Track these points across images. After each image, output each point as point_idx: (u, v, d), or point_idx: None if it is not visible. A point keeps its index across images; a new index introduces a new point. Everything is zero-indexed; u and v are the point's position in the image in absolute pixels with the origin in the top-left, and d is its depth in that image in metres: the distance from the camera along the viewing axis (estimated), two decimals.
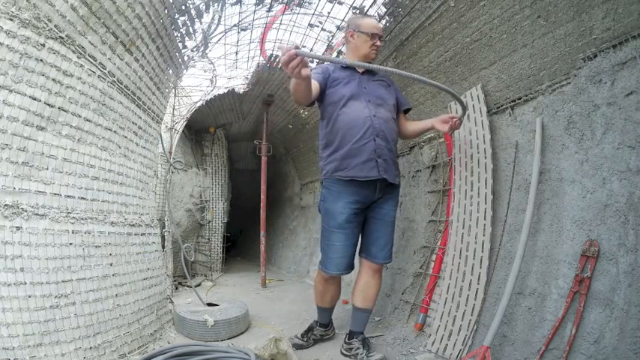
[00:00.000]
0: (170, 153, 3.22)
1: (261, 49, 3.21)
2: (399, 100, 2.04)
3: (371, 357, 1.81)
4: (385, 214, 1.93)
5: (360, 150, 1.79)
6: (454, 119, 1.79)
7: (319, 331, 2.14)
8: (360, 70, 1.93)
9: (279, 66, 1.36)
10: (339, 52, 2.99)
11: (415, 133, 2.09)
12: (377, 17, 2.46)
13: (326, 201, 1.89)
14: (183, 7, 2.04)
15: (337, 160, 1.83)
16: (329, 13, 2.61)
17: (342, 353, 1.97)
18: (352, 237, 1.88)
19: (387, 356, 1.89)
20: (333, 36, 2.85)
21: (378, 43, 1.92)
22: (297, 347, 2.04)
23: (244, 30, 2.80)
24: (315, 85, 1.76)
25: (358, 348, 1.87)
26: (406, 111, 2.12)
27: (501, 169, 1.94)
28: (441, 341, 1.93)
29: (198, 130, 4.83)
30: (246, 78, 3.69)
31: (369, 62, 1.92)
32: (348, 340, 1.97)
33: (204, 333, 2.13)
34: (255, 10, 2.58)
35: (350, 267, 1.92)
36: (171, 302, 2.52)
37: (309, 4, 2.58)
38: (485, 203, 1.93)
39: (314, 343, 2.12)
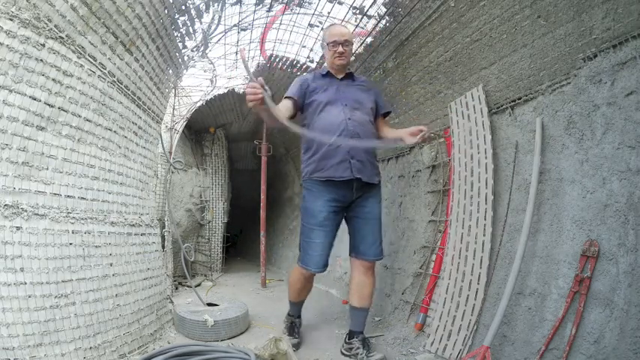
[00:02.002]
0: (170, 153, 3.22)
1: (261, 49, 3.21)
2: (379, 103, 2.09)
3: (371, 357, 1.83)
4: (368, 212, 1.96)
5: (335, 151, 1.86)
6: (423, 132, 1.82)
7: (298, 322, 2.25)
8: (339, 76, 2.04)
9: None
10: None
11: (387, 141, 2.13)
12: (377, 17, 2.46)
13: (306, 200, 1.96)
14: (183, 7, 2.04)
15: (315, 162, 1.92)
16: (329, 13, 2.61)
17: (343, 353, 1.98)
18: (330, 235, 1.94)
19: (387, 356, 1.89)
20: None
21: (340, 49, 1.96)
22: (295, 346, 2.04)
23: (244, 30, 2.80)
24: (287, 106, 1.90)
25: (358, 348, 1.89)
26: (386, 114, 2.17)
27: (501, 169, 1.94)
28: (440, 341, 1.93)
29: (198, 130, 4.83)
30: (246, 78, 3.69)
31: (338, 69, 2.02)
32: (349, 340, 1.98)
33: (204, 333, 2.12)
34: (255, 10, 2.58)
35: (326, 265, 1.97)
36: (171, 302, 2.52)
37: (309, 4, 2.58)
38: (486, 203, 1.93)
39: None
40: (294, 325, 2.20)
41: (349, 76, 2.06)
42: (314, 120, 1.94)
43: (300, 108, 1.98)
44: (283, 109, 1.86)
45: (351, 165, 1.86)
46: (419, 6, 2.18)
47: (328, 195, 1.89)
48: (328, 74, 2.04)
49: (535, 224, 1.68)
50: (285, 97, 1.95)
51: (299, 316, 2.27)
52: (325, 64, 2.11)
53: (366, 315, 2.01)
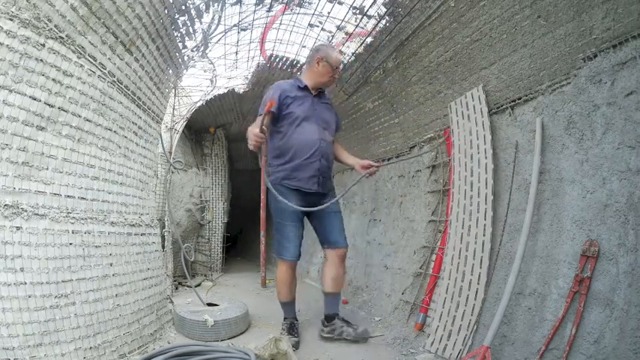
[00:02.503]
0: (170, 153, 3.22)
1: (261, 49, 3.20)
2: (337, 123, 2.36)
3: (358, 330, 2.08)
4: (330, 208, 2.17)
5: (307, 167, 2.10)
6: (372, 167, 2.13)
7: (297, 323, 2.28)
8: (314, 92, 2.22)
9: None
10: (339, 52, 2.99)
11: (339, 161, 2.39)
12: (377, 17, 2.47)
13: (278, 202, 2.10)
14: (183, 7, 2.04)
15: (287, 170, 2.12)
16: (329, 13, 2.60)
17: (325, 337, 2.17)
18: (301, 229, 2.20)
19: (387, 356, 1.90)
20: (333, 36, 2.85)
21: (337, 74, 2.23)
22: (295, 345, 2.06)
23: (244, 30, 2.80)
24: (264, 122, 2.03)
25: (342, 326, 2.11)
26: (338, 129, 2.41)
27: (501, 169, 1.94)
28: (440, 341, 1.93)
29: (198, 130, 4.83)
30: (246, 78, 3.69)
31: (318, 87, 2.23)
32: (328, 322, 2.18)
33: (204, 333, 2.12)
34: (255, 10, 2.58)
35: (299, 255, 2.21)
36: (171, 302, 2.52)
37: (309, 4, 2.58)
38: (486, 203, 1.93)
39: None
40: (293, 326, 2.23)
41: (321, 93, 2.28)
42: (290, 132, 2.12)
43: (276, 117, 2.13)
44: (258, 121, 2.03)
45: (318, 180, 2.14)
46: (419, 6, 2.18)
47: (295, 199, 2.11)
48: (306, 88, 2.19)
49: (535, 224, 1.68)
50: (260, 115, 2.07)
51: (295, 317, 2.31)
52: (304, 75, 2.25)
53: (339, 298, 2.29)
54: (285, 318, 2.28)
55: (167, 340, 2.08)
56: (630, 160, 1.35)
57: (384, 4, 2.38)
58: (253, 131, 1.91)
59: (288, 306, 2.28)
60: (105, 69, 1.67)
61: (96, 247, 1.64)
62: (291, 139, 2.10)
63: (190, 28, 2.22)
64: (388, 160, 3.16)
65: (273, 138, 2.19)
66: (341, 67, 2.21)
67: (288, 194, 2.10)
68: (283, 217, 2.16)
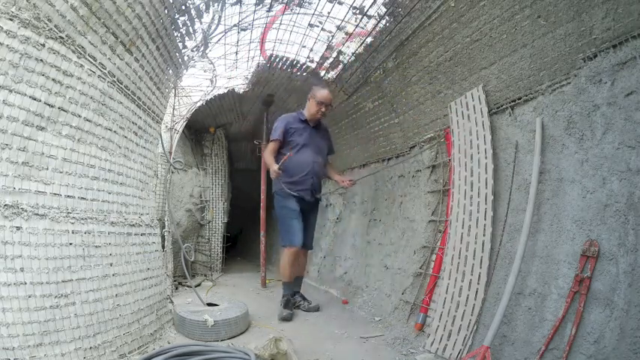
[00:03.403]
0: (170, 153, 3.22)
1: (261, 49, 3.20)
2: (330, 147, 3.07)
3: (310, 305, 2.85)
4: (311, 220, 2.98)
5: (304, 182, 2.79)
6: (345, 182, 2.86)
7: (292, 299, 2.87)
8: (311, 125, 2.84)
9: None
10: (339, 52, 3.00)
11: (329, 177, 3.14)
12: (377, 17, 2.47)
13: (284, 201, 2.82)
14: (183, 7, 2.04)
15: (290, 183, 2.79)
16: (329, 13, 2.60)
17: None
18: (301, 222, 2.80)
19: (387, 356, 1.89)
20: (333, 36, 2.85)
21: (324, 109, 2.76)
22: (287, 318, 2.60)
23: (244, 30, 2.80)
24: (275, 147, 2.81)
25: (301, 301, 2.90)
26: (330, 154, 3.11)
27: (501, 169, 1.94)
28: (440, 341, 1.93)
29: (198, 130, 4.83)
30: (246, 78, 3.69)
31: (314, 120, 2.83)
32: (292, 297, 2.86)
33: (204, 333, 2.12)
34: (255, 10, 2.58)
35: (303, 242, 2.79)
36: (172, 302, 2.52)
37: (309, 4, 2.58)
38: (486, 203, 1.93)
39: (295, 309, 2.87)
40: (289, 301, 2.78)
41: (318, 125, 2.89)
42: (294, 154, 2.75)
43: (281, 143, 2.81)
44: (272, 147, 2.81)
45: (311, 193, 2.85)
46: (419, 6, 2.18)
47: (296, 201, 2.79)
48: (306, 121, 2.83)
49: (535, 224, 1.68)
50: (272, 140, 2.80)
51: (293, 294, 2.90)
52: (306, 110, 2.86)
53: (301, 280, 3.06)
54: (283, 295, 2.82)
55: (167, 340, 2.08)
56: (630, 160, 1.35)
57: (384, 4, 2.38)
58: (273, 168, 2.62)
59: (287, 285, 2.85)
60: (105, 69, 1.67)
61: (96, 247, 1.64)
62: (292, 160, 2.70)
63: (190, 28, 2.22)
64: (388, 160, 3.16)
65: (279, 160, 2.76)
66: (328, 102, 2.76)
67: (290, 197, 2.77)
68: (289, 212, 2.80)
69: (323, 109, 2.75)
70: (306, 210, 2.86)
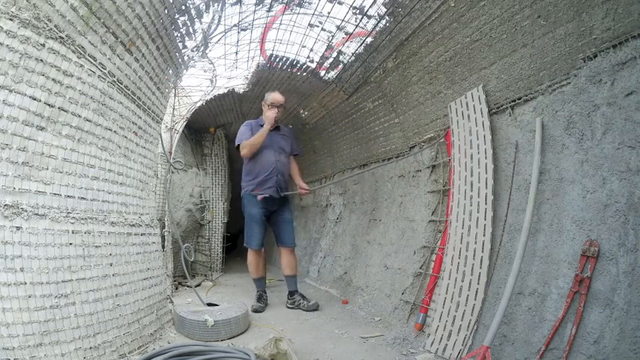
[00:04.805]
0: (170, 153, 3.22)
1: (261, 49, 3.20)
2: (292, 147, 3.21)
3: (310, 303, 2.85)
4: (284, 217, 3.12)
5: (269, 180, 2.98)
6: (302, 190, 3.15)
7: (265, 295, 3.07)
8: (270, 128, 3.01)
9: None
10: (339, 52, 3.00)
11: (292, 177, 3.25)
12: (377, 17, 2.46)
13: (249, 207, 3.05)
14: (183, 7, 2.04)
15: (255, 184, 3.01)
16: (329, 13, 2.60)
17: (289, 307, 2.96)
18: (263, 227, 3.04)
19: (386, 356, 1.89)
20: (333, 36, 2.85)
21: (277, 110, 2.98)
22: (259, 310, 2.79)
23: (244, 30, 2.80)
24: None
25: (300, 300, 2.92)
26: (295, 155, 3.28)
27: (501, 169, 1.94)
28: (440, 341, 1.93)
29: (198, 130, 4.83)
30: (246, 78, 3.68)
31: (271, 124, 2.97)
32: (290, 297, 2.99)
33: (204, 333, 2.12)
34: (255, 10, 2.57)
35: (262, 245, 3.05)
36: (172, 302, 2.52)
37: (309, 4, 2.58)
38: (486, 203, 1.93)
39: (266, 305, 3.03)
40: (261, 296, 3.01)
41: (277, 128, 3.12)
42: (255, 157, 3.00)
43: None
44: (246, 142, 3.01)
45: (277, 189, 3.00)
46: (419, 6, 2.18)
47: (260, 205, 2.99)
48: (263, 125, 3.01)
49: (535, 224, 1.68)
50: (244, 140, 2.99)
51: (264, 290, 3.09)
52: (263, 116, 3.05)
53: (296, 279, 3.06)
54: (257, 290, 3.07)
55: (167, 340, 2.08)
56: (630, 160, 1.35)
57: (384, 4, 2.38)
58: (268, 118, 2.93)
59: (258, 281, 3.08)
60: (105, 69, 1.67)
61: (96, 247, 1.64)
62: (257, 161, 3.01)
63: (190, 28, 2.22)
64: (388, 159, 3.16)
65: (245, 162, 3.08)
66: (278, 103, 3.00)
67: (255, 203, 2.99)
68: (251, 218, 3.04)
69: (276, 111, 2.96)
70: (276, 209, 3.05)
